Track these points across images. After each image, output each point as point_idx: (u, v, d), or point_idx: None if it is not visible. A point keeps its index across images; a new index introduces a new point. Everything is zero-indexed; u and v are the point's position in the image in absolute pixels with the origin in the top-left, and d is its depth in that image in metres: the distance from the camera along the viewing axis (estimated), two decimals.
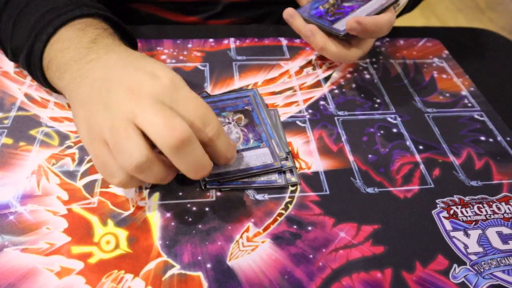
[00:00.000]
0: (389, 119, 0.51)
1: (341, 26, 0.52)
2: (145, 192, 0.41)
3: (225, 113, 0.48)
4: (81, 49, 0.41)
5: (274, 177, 0.43)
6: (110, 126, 0.34)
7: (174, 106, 0.34)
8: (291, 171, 0.43)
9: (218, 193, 0.41)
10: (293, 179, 0.43)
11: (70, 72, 0.40)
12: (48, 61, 0.43)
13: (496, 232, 0.40)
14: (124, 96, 0.34)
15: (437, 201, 0.42)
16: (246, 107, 0.49)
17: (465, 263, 0.37)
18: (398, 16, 0.63)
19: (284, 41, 0.62)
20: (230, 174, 0.42)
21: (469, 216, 0.41)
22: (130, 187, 0.38)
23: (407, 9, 0.64)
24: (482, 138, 0.50)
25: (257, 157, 0.43)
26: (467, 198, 0.43)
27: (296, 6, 0.60)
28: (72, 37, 0.42)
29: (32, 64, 0.45)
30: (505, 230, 0.40)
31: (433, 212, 0.41)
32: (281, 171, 0.43)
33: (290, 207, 0.41)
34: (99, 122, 0.35)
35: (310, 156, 0.46)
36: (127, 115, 0.33)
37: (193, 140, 0.34)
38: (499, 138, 0.50)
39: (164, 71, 0.36)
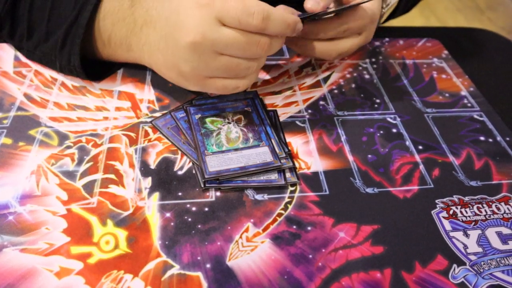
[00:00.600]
0: (388, 119, 0.51)
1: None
2: (145, 192, 0.41)
3: (225, 113, 0.48)
4: (128, 20, 0.46)
5: (274, 176, 0.43)
6: (214, 47, 0.40)
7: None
8: (290, 171, 0.43)
9: (218, 193, 0.41)
10: (293, 178, 0.43)
11: (134, 43, 0.46)
12: (107, 35, 0.47)
13: (496, 232, 0.40)
14: (198, 12, 0.40)
15: (436, 201, 0.42)
16: (245, 108, 0.49)
17: (464, 263, 0.37)
18: (390, 17, 0.62)
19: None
20: (230, 172, 0.41)
21: (469, 216, 0.41)
22: (274, 49, 0.43)
23: (400, 10, 0.64)
24: (482, 138, 0.50)
25: (257, 156, 0.43)
26: (466, 198, 0.43)
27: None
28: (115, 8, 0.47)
29: (71, 36, 0.47)
30: (505, 230, 0.40)
31: (432, 212, 0.41)
32: (280, 169, 0.43)
33: (290, 207, 0.41)
34: (192, 67, 0.41)
35: (309, 156, 0.46)
36: (213, 27, 0.39)
37: (270, 11, 0.40)
38: (499, 138, 0.50)
39: None
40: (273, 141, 0.45)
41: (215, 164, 0.41)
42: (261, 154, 0.43)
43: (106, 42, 0.48)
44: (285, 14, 0.41)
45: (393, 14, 0.63)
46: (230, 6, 0.39)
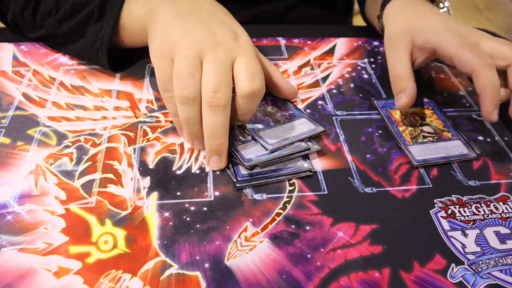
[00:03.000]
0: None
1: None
2: (143, 192, 0.41)
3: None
4: None
5: (300, 162, 0.44)
6: (182, 53, 0.40)
7: (239, 58, 0.41)
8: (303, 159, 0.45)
9: (216, 193, 0.41)
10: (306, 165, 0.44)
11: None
12: None
13: (494, 231, 0.40)
14: (206, 35, 0.41)
15: (435, 200, 0.42)
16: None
17: (463, 263, 0.37)
18: None
19: (282, 41, 0.62)
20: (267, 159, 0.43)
21: (467, 215, 0.41)
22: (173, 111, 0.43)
23: None
24: (480, 137, 0.50)
25: (300, 124, 0.47)
26: (465, 198, 0.43)
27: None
28: None
29: (108, 8, 0.49)
30: (503, 230, 0.40)
31: (431, 211, 0.41)
32: (307, 152, 0.45)
33: (288, 206, 0.41)
34: (175, 42, 0.41)
35: (308, 155, 0.46)
36: (199, 52, 0.40)
37: (228, 107, 0.40)
38: (497, 138, 0.50)
39: (243, 33, 0.44)
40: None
41: (245, 160, 0.43)
42: (302, 125, 0.47)
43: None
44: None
45: None
46: (250, 59, 0.41)
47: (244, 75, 0.40)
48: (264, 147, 0.44)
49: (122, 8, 0.50)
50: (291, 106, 0.50)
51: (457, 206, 0.42)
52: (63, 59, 0.56)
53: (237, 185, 0.42)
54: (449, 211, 0.42)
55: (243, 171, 0.43)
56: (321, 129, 0.47)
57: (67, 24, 0.51)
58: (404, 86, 0.48)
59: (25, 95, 0.50)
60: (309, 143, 0.45)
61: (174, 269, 0.36)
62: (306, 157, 0.45)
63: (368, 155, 0.46)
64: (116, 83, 0.53)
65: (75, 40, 0.52)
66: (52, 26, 0.52)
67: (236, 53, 0.41)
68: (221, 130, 0.40)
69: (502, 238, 0.40)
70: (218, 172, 0.43)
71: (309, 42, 0.62)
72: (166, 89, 0.42)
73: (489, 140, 0.50)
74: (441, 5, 0.55)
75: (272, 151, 0.43)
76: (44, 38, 0.55)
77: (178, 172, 0.43)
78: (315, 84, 0.55)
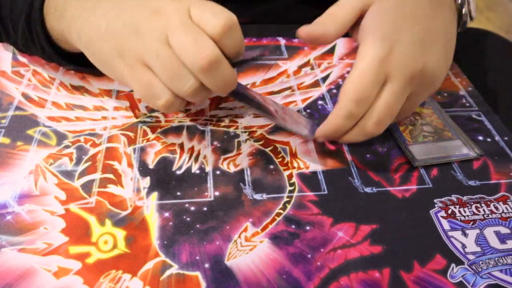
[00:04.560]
0: None
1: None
2: (143, 192, 0.41)
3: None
4: None
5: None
6: (149, 50, 0.35)
7: (192, 9, 0.36)
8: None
9: (216, 193, 0.41)
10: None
11: (71, 10, 0.41)
12: (46, 7, 0.43)
13: (494, 231, 0.40)
14: (153, 20, 0.36)
15: (435, 200, 0.42)
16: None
17: (463, 263, 0.37)
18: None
19: (282, 41, 0.62)
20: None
21: (467, 215, 0.41)
22: (174, 109, 0.38)
23: None
24: (480, 137, 0.50)
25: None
26: (465, 198, 0.43)
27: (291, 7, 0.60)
28: None
29: (33, 21, 0.44)
30: (503, 230, 0.40)
31: (431, 211, 0.41)
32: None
33: (288, 206, 0.41)
34: (134, 48, 0.36)
35: (308, 155, 0.46)
36: (161, 38, 0.35)
37: (221, 60, 0.35)
38: (497, 138, 0.50)
39: None
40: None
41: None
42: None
43: (53, 11, 0.44)
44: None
45: None
46: (203, 2, 0.36)
47: (207, 17, 0.36)
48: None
49: (45, 27, 0.45)
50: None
51: (457, 206, 0.42)
52: None
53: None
54: (449, 211, 0.41)
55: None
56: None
57: (21, 45, 0.49)
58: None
59: (24, 95, 0.50)
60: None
61: (174, 269, 0.35)
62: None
63: (368, 155, 0.46)
64: (116, 83, 0.53)
65: (33, 52, 0.50)
66: (15, 48, 0.52)
67: (186, 7, 0.36)
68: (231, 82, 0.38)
69: (502, 238, 0.40)
70: (218, 172, 0.43)
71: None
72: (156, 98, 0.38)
73: (489, 140, 0.50)
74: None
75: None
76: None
77: (178, 172, 0.43)
78: (315, 84, 0.55)
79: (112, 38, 0.37)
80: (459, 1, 0.44)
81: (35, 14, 0.44)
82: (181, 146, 0.46)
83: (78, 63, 0.49)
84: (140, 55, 0.36)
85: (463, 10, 0.44)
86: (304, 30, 0.42)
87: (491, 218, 0.41)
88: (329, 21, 0.42)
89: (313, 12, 0.71)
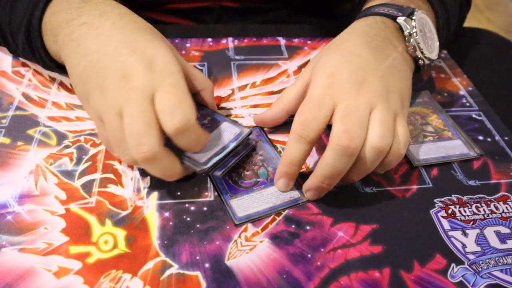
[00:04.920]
0: None
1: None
2: (143, 192, 0.41)
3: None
4: (72, 9, 0.42)
5: (296, 195, 0.42)
6: (104, 113, 0.37)
7: (157, 92, 0.36)
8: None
9: (216, 193, 0.41)
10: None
11: (62, 35, 0.41)
12: (43, 25, 0.44)
13: (494, 231, 0.40)
14: (118, 86, 0.36)
15: (435, 200, 0.42)
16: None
17: (463, 263, 0.37)
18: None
19: (282, 41, 0.62)
20: (259, 213, 0.40)
21: (467, 215, 0.41)
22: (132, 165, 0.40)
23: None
24: (480, 137, 0.50)
25: (281, 194, 0.42)
26: (465, 198, 0.43)
27: (290, 12, 0.59)
28: (63, 1, 0.43)
29: (33, 39, 0.45)
30: (503, 230, 0.40)
31: (431, 211, 0.41)
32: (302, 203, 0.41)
33: None
34: (98, 105, 0.37)
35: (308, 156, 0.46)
36: (117, 108, 0.36)
37: (158, 156, 0.36)
38: (497, 137, 0.50)
39: (161, 56, 0.38)
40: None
41: (242, 207, 0.40)
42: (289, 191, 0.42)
43: (48, 34, 0.44)
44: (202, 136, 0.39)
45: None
46: (169, 90, 0.36)
47: (164, 113, 0.36)
48: (197, 169, 0.39)
49: (43, 43, 0.45)
50: (209, 111, 0.45)
51: (457, 206, 0.42)
52: None
53: (237, 223, 0.39)
54: (449, 211, 0.41)
55: (239, 213, 0.40)
56: (247, 131, 0.42)
57: (20, 54, 0.50)
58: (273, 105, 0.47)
59: (25, 95, 0.50)
60: (241, 131, 0.42)
61: (174, 269, 0.35)
62: (299, 187, 0.42)
63: None
64: None
65: (33, 61, 0.50)
66: (14, 54, 0.52)
67: (152, 87, 0.36)
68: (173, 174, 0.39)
69: (503, 238, 0.40)
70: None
71: (309, 42, 0.62)
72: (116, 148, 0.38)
73: (489, 139, 0.50)
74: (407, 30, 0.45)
75: (209, 170, 0.39)
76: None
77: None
78: None
79: (84, 83, 0.39)
80: (410, 49, 0.46)
81: (34, 32, 0.44)
82: None
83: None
84: (99, 113, 0.38)
85: (417, 54, 0.46)
86: (256, 118, 0.47)
87: (491, 218, 0.41)
88: (276, 106, 0.47)
89: (306, 20, 0.70)
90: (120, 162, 0.43)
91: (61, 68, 0.46)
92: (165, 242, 0.37)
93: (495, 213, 0.42)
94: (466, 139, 0.48)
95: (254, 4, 0.67)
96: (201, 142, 0.39)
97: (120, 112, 0.36)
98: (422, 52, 0.45)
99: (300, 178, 0.43)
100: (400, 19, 0.45)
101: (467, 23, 0.62)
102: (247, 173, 0.43)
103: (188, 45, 0.59)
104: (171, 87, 0.37)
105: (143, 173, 0.43)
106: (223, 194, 0.41)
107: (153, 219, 0.39)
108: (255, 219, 0.39)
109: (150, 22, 0.44)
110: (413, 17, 0.45)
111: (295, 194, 0.42)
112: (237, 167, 0.43)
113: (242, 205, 0.40)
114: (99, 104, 0.37)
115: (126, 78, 0.36)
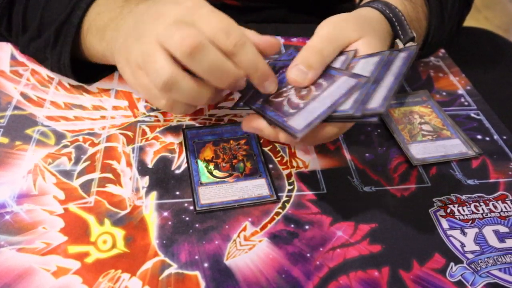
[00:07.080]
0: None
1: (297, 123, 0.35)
2: (142, 191, 0.41)
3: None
4: (116, 9, 0.44)
5: (265, 192, 0.41)
6: (141, 52, 0.36)
7: (196, 23, 0.35)
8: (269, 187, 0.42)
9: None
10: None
11: (110, 31, 0.44)
12: (87, 27, 0.46)
13: (493, 230, 0.40)
14: (151, 24, 0.37)
15: (434, 199, 0.42)
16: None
17: (462, 262, 0.37)
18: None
19: (281, 40, 0.62)
20: (223, 204, 0.40)
21: (466, 214, 0.41)
22: (178, 111, 0.38)
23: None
24: (479, 136, 0.50)
25: (253, 188, 0.42)
26: (463, 197, 0.43)
27: (290, 11, 0.59)
28: (108, 1, 0.46)
29: (63, 34, 0.47)
30: (502, 229, 0.40)
31: (430, 210, 0.41)
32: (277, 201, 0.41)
33: (288, 206, 0.41)
34: (133, 52, 0.37)
35: (307, 154, 0.46)
36: (154, 39, 0.35)
37: (206, 45, 0.34)
38: (496, 136, 0.50)
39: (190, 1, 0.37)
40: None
41: (208, 196, 0.41)
42: (258, 187, 0.42)
43: (94, 33, 0.46)
44: (260, 57, 0.37)
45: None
46: (212, 17, 0.36)
47: (217, 35, 0.35)
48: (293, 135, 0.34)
49: (80, 38, 0.47)
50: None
51: (456, 205, 0.42)
52: None
53: (197, 209, 0.39)
54: (448, 210, 0.42)
55: (203, 201, 0.40)
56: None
57: (33, 45, 0.50)
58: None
59: (23, 95, 0.50)
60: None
61: (173, 268, 0.35)
62: (270, 185, 0.42)
63: (367, 154, 0.46)
64: (115, 83, 0.53)
65: (44, 61, 0.51)
66: (22, 46, 0.52)
67: (190, 17, 0.36)
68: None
69: (501, 237, 0.40)
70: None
71: (307, 41, 0.62)
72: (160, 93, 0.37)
73: (488, 139, 0.50)
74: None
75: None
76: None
77: (177, 171, 0.43)
78: None
79: (124, 50, 0.39)
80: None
81: (71, 28, 0.46)
82: (180, 145, 0.46)
83: (80, 78, 0.51)
84: (138, 60, 0.37)
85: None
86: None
87: (490, 217, 0.41)
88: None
89: (307, 19, 0.70)
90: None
91: (70, 67, 0.48)
92: (164, 241, 0.37)
93: (494, 212, 0.42)
94: (464, 138, 0.48)
95: (255, 2, 0.67)
96: (260, 61, 0.37)
97: (158, 41, 0.35)
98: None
99: (300, 178, 0.43)
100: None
101: (465, 22, 0.63)
102: (224, 164, 0.43)
103: None
104: (213, 12, 0.36)
105: (142, 172, 0.43)
106: (194, 182, 0.42)
107: (152, 219, 0.39)
108: (217, 210, 0.40)
109: None
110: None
111: (264, 191, 0.41)
112: (217, 157, 0.44)
113: (210, 193, 0.41)
114: (138, 51, 0.36)
115: (158, 17, 0.37)
